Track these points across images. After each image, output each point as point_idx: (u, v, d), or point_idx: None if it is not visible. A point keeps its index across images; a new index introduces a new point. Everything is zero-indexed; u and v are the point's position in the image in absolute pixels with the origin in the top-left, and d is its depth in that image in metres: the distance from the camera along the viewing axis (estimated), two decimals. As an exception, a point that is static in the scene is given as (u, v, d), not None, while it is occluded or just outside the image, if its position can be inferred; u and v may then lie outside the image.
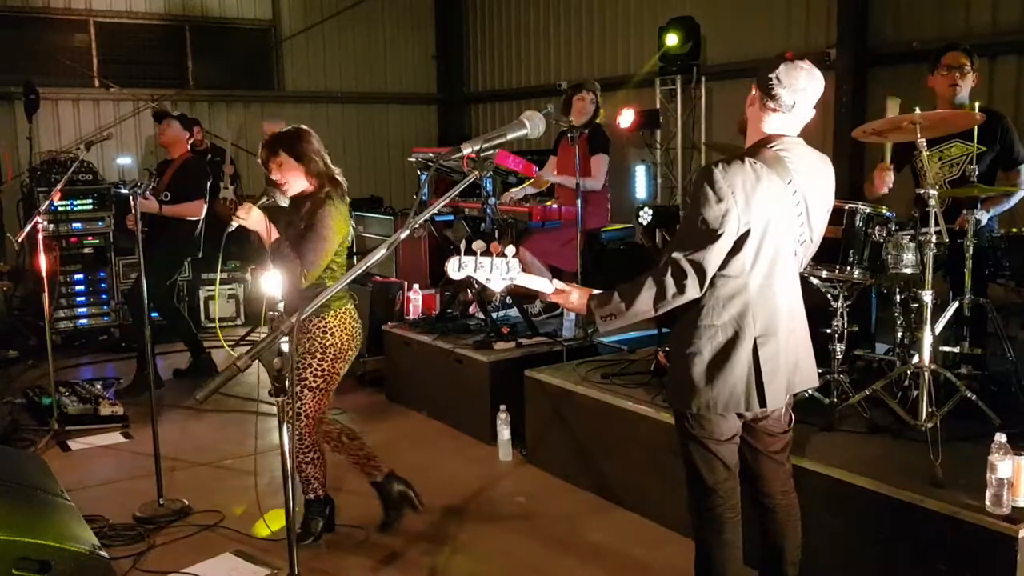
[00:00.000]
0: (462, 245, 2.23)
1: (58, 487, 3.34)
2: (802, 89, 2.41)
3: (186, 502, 4.00)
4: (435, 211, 2.47)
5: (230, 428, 5.21)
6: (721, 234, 2.33)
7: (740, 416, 2.51)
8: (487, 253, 2.24)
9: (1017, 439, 2.82)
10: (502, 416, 4.55)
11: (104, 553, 2.93)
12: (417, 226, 2.10)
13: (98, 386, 5.62)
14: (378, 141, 10.66)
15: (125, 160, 8.90)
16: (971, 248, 3.57)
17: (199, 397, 1.79)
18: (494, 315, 5.45)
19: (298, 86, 10.50)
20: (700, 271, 2.34)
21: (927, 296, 3.28)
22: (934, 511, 2.78)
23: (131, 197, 4.13)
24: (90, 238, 7.17)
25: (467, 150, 2.26)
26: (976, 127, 3.64)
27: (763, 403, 2.43)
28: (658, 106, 8.18)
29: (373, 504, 4.02)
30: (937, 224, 3.26)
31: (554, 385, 4.34)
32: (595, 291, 2.48)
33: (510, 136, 2.30)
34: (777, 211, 2.40)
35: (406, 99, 11.13)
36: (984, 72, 4.35)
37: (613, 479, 3.97)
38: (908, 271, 3.56)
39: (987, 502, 2.68)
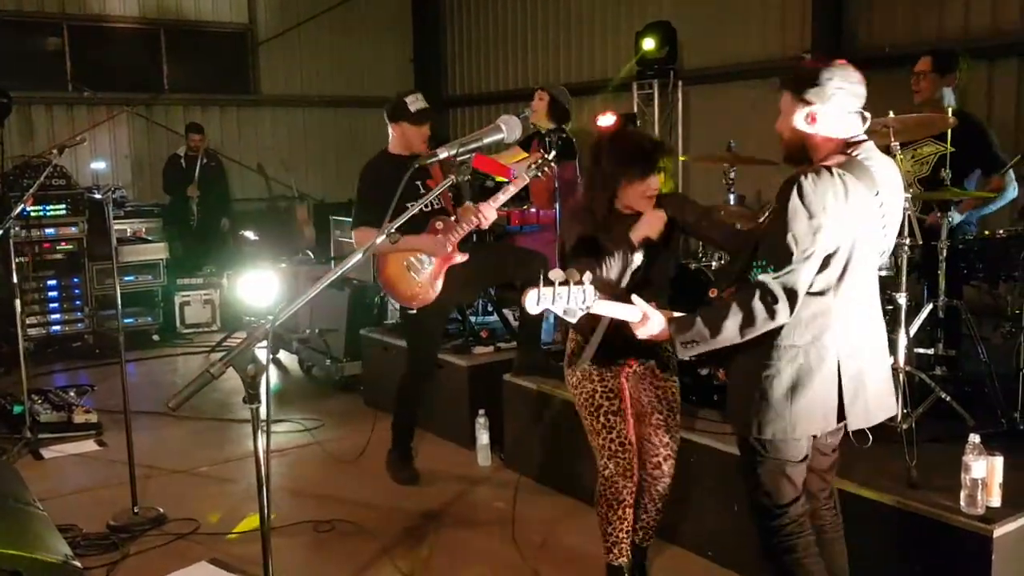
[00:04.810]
0: (540, 277, 2.12)
1: (30, 496, 3.29)
2: (858, 85, 2.29)
3: (161, 510, 3.95)
4: (412, 215, 2.45)
5: (206, 435, 5.16)
6: (812, 253, 2.17)
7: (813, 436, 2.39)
8: (565, 283, 2.12)
9: (991, 440, 2.86)
10: (481, 420, 4.54)
11: (77, 563, 2.89)
12: (393, 231, 2.08)
13: (71, 393, 5.54)
14: (355, 145, 10.60)
15: (99, 165, 8.81)
16: (945, 251, 3.61)
17: (171, 405, 1.76)
18: (473, 319, 5.44)
19: (275, 90, 10.45)
20: (792, 294, 2.18)
21: (902, 298, 3.31)
22: (909, 512, 2.80)
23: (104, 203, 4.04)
24: (63, 243, 7.06)
25: (443, 154, 2.24)
26: (949, 129, 3.69)
27: (842, 418, 2.31)
28: (635, 110, 8.21)
29: (351, 508, 4.01)
30: (911, 227, 3.30)
31: (533, 389, 4.34)
32: (676, 315, 2.35)
33: (486, 140, 2.29)
34: (863, 225, 2.25)
35: (383, 103, 11.06)
36: (969, 73, 4.45)
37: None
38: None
39: (962, 502, 2.71)
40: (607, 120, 7.81)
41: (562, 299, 2.14)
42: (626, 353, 2.96)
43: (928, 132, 3.78)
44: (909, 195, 3.29)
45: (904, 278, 3.33)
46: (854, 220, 2.21)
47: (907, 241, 3.30)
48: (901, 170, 3.32)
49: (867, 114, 2.33)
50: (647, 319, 2.34)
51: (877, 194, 2.26)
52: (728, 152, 4.48)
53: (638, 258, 2.80)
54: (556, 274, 2.11)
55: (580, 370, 2.98)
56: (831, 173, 2.19)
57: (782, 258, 2.19)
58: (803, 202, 2.16)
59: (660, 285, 2.94)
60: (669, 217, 2.88)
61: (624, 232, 2.83)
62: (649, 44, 7.82)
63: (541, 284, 2.11)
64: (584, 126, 8.18)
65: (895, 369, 3.29)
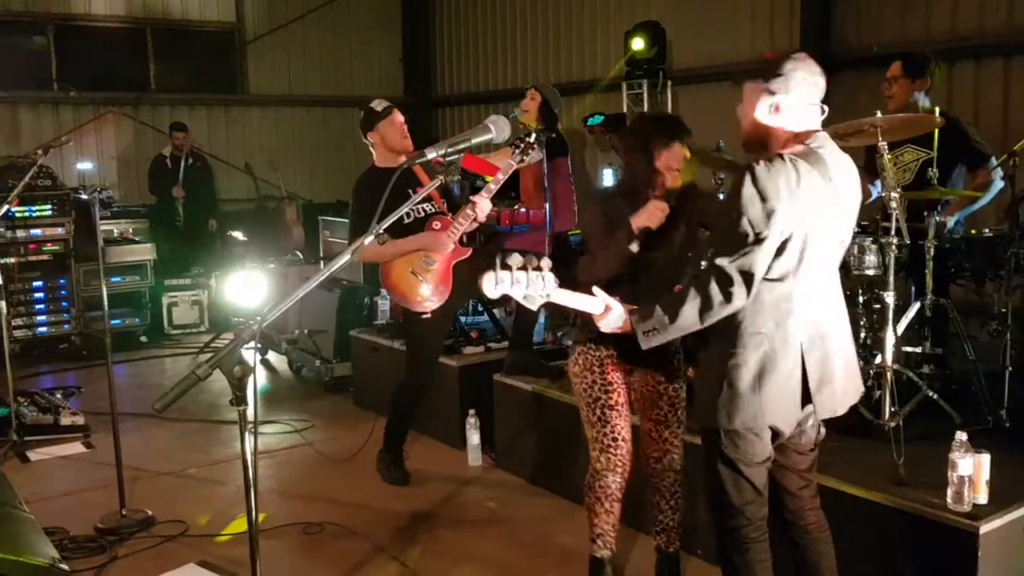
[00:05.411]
0: (497, 260, 2.11)
1: (16, 499, 3.26)
2: (816, 79, 2.29)
3: (149, 512, 3.93)
4: (400, 215, 2.44)
5: (194, 437, 5.14)
6: (766, 236, 2.19)
7: (775, 436, 2.38)
8: (523, 268, 2.11)
9: (977, 437, 2.87)
10: (471, 421, 4.53)
11: (64, 566, 2.86)
12: (381, 232, 2.07)
13: (58, 395, 5.51)
14: (344, 145, 10.58)
15: (85, 165, 8.76)
16: (932, 250, 3.63)
17: (157, 406, 1.75)
18: (463, 319, 5.43)
19: (263, 89, 10.41)
20: (747, 277, 2.20)
21: (889, 297, 3.33)
22: (897, 509, 2.82)
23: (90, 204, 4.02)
24: (49, 244, 7.01)
25: (431, 154, 2.24)
26: (936, 130, 3.71)
27: (816, 410, 2.32)
28: (625, 110, 8.22)
29: (341, 509, 4.00)
30: (899, 227, 3.31)
31: (524, 389, 4.34)
32: (634, 307, 2.36)
33: (475, 140, 2.29)
34: (819, 211, 2.26)
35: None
36: (943, 80, 4.49)
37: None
38: (871, 273, 3.61)
39: (949, 500, 2.72)
40: (596, 121, 7.85)
41: (520, 284, 2.13)
42: (633, 359, 2.96)
43: (914, 132, 3.79)
44: (897, 195, 3.30)
45: (892, 277, 3.35)
46: (808, 206, 2.23)
47: (895, 240, 3.32)
48: (889, 172, 3.35)
49: (824, 107, 2.35)
50: (609, 311, 2.36)
51: (830, 181, 2.28)
52: (716, 152, 4.48)
53: (634, 246, 2.81)
54: (515, 259, 2.11)
55: (583, 358, 2.98)
56: (784, 160, 2.23)
57: (738, 242, 2.21)
58: (756, 187, 2.19)
59: (663, 277, 2.88)
60: (674, 208, 2.87)
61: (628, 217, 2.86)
62: (638, 44, 7.83)
63: (498, 267, 2.10)
64: (574, 125, 8.19)
65: (883, 368, 3.31)
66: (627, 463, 2.99)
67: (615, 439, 2.96)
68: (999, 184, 4.03)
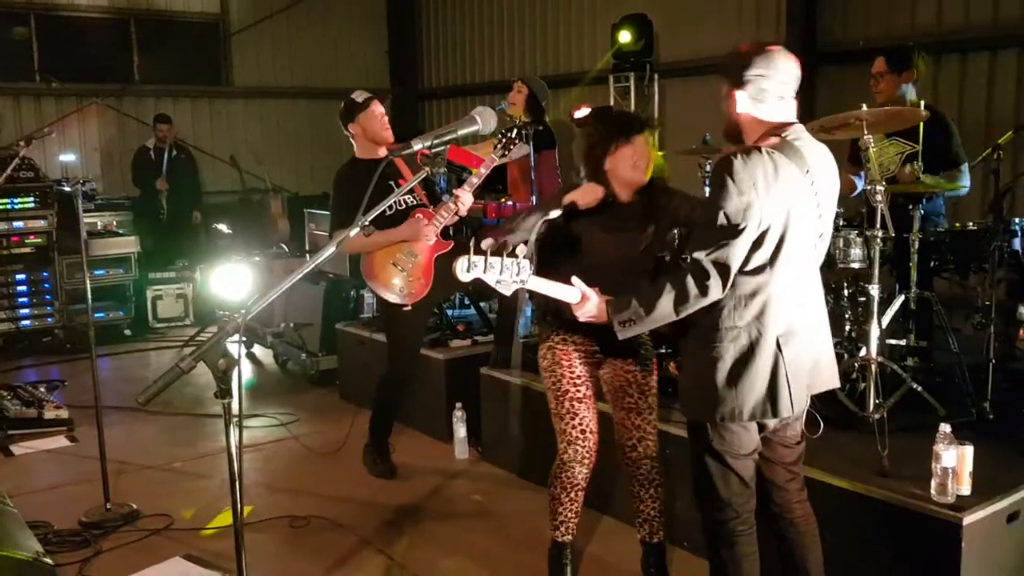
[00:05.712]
0: (471, 243, 2.09)
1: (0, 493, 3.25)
2: (785, 72, 2.31)
3: (134, 506, 3.91)
4: (385, 208, 2.43)
5: (180, 430, 5.11)
6: (743, 229, 2.19)
7: (761, 427, 2.38)
8: (497, 253, 2.10)
9: (961, 429, 2.89)
10: (458, 414, 4.53)
11: (48, 560, 2.85)
12: (367, 223, 2.06)
13: (42, 389, 5.47)
14: (330, 137, 10.51)
15: (68, 157, 8.67)
16: (916, 243, 3.65)
17: (140, 400, 1.74)
18: (450, 312, 5.42)
19: (247, 81, 10.34)
20: (723, 270, 2.20)
21: (874, 290, 3.34)
22: (881, 500, 2.83)
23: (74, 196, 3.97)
24: (32, 237, 6.95)
25: (417, 146, 2.24)
26: (921, 124, 3.72)
27: (793, 407, 2.31)
28: (612, 103, 8.22)
29: (328, 502, 3.99)
30: (883, 220, 3.33)
31: (510, 383, 4.34)
32: (609, 297, 2.38)
33: (461, 132, 2.28)
34: (796, 203, 2.26)
35: (359, 95, 11.03)
36: (928, 71, 4.51)
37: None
38: (856, 266, 3.63)
39: (932, 491, 2.74)
40: (583, 114, 7.85)
41: (494, 269, 2.12)
42: (601, 349, 2.98)
43: (900, 125, 3.81)
44: (882, 189, 3.31)
45: (876, 270, 3.37)
46: (785, 198, 2.24)
47: (879, 233, 3.34)
48: (874, 165, 3.36)
49: (793, 102, 2.37)
50: (586, 300, 2.38)
51: (807, 172, 2.29)
52: (704, 145, 4.50)
53: (554, 213, 2.84)
54: (488, 243, 2.10)
55: (552, 353, 3.01)
56: (760, 152, 2.23)
57: (714, 235, 2.23)
58: (733, 180, 2.20)
59: (601, 263, 2.77)
60: (610, 197, 2.88)
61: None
62: (625, 37, 7.82)
63: (471, 252, 2.09)
64: (561, 118, 8.18)
65: (868, 360, 3.32)
66: (593, 455, 3.04)
67: (583, 431, 2.99)
68: (964, 190, 4.07)
